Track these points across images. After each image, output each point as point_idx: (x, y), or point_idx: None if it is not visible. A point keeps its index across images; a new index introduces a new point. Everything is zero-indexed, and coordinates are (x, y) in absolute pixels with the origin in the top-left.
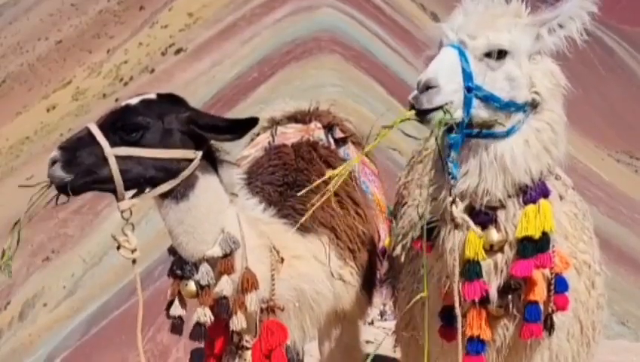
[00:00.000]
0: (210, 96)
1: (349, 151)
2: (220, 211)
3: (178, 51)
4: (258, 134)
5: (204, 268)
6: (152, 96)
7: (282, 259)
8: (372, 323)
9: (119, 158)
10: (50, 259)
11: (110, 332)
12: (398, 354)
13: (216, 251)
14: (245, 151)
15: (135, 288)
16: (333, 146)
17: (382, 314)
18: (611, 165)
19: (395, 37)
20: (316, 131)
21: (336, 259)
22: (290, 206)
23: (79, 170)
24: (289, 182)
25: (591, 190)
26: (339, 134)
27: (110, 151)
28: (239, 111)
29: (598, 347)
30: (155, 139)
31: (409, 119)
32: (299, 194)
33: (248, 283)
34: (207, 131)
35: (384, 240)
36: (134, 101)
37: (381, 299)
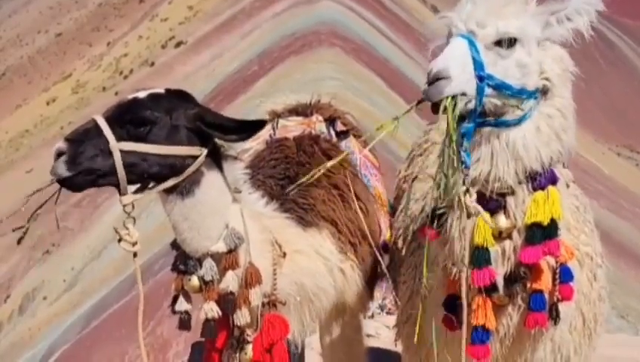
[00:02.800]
0: (210, 90)
1: (350, 144)
2: (225, 207)
3: (178, 44)
4: None
5: (208, 263)
6: (161, 90)
7: (284, 254)
8: (372, 316)
9: (124, 153)
10: (50, 252)
11: (110, 326)
12: (399, 348)
13: (220, 247)
14: (246, 144)
15: (135, 282)
16: (334, 139)
17: (382, 307)
18: (612, 159)
19: (396, 30)
20: (318, 124)
21: (338, 252)
22: (292, 200)
23: (83, 166)
24: (290, 176)
25: (591, 184)
26: (340, 127)
27: (115, 145)
28: (239, 105)
29: (599, 340)
30: (162, 135)
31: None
32: (293, 186)
33: (252, 278)
34: (214, 130)
35: (385, 234)
36: (142, 95)
37: (381, 292)
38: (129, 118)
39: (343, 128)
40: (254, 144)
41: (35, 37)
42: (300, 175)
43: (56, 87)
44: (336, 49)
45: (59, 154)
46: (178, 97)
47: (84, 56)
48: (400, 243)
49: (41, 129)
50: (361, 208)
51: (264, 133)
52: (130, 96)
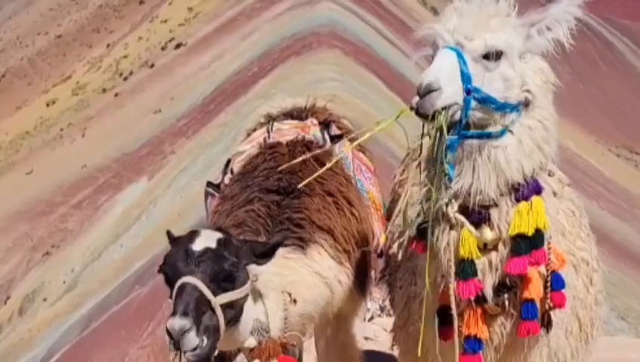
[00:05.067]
0: (210, 91)
1: (344, 148)
2: (254, 307)
3: (178, 46)
4: (254, 130)
5: (240, 357)
6: (220, 235)
7: (295, 301)
8: (372, 318)
9: (222, 306)
10: (50, 253)
11: (110, 327)
12: (396, 352)
13: (251, 342)
14: (241, 147)
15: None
16: (328, 144)
17: (382, 308)
18: (611, 160)
19: (395, 31)
20: (312, 128)
21: (335, 264)
22: (287, 218)
23: (207, 332)
24: (284, 187)
25: (591, 185)
26: (335, 131)
27: (216, 301)
28: (239, 106)
29: (596, 343)
30: (240, 280)
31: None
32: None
33: (270, 351)
34: (262, 258)
35: (379, 238)
36: (212, 244)
37: (382, 294)
38: (223, 276)
39: (338, 132)
40: (248, 147)
41: (35, 39)
42: (293, 184)
43: (56, 88)
44: (336, 50)
45: (183, 332)
46: (231, 239)
47: (83, 57)
48: (395, 247)
49: (41, 130)
50: (354, 214)
51: (258, 136)
52: (201, 247)
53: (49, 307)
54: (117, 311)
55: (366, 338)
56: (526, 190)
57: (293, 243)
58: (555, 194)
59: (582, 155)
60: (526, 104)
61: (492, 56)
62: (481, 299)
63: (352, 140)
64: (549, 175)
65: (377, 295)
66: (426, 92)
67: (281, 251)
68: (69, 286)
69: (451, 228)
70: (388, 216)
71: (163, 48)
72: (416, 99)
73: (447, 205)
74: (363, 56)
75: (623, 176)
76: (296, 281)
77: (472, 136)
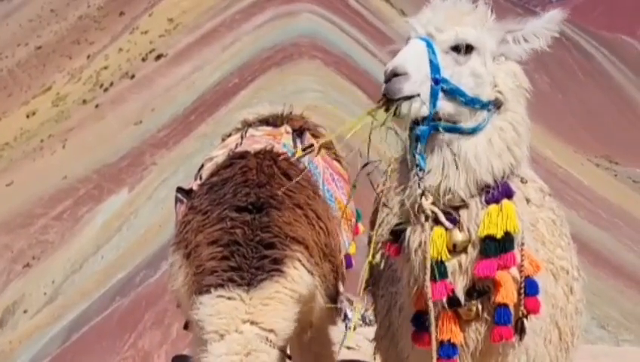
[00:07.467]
0: (191, 102)
1: (314, 158)
2: None
3: (158, 57)
4: (230, 135)
5: None
6: None
7: (289, 357)
8: (355, 328)
9: None
10: (30, 265)
11: (91, 339)
12: (378, 361)
13: None
14: (214, 152)
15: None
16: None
17: (364, 318)
18: (591, 170)
19: (376, 42)
20: (284, 136)
21: (309, 276)
22: (259, 241)
23: None
24: (253, 203)
25: (571, 194)
26: (309, 140)
27: None
28: (220, 117)
29: (577, 352)
30: None
31: (375, 111)
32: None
33: None
34: None
35: (347, 249)
36: None
37: (364, 304)
38: None
39: (312, 141)
40: (220, 153)
41: (14, 50)
42: (262, 198)
43: (36, 100)
44: (316, 61)
45: None
46: None
47: (64, 69)
48: (378, 257)
49: (21, 142)
50: (322, 228)
51: (231, 142)
52: None
53: (30, 319)
54: (98, 322)
55: (348, 348)
56: (496, 192)
57: (270, 269)
58: (528, 201)
59: (561, 165)
60: (498, 105)
61: (461, 49)
62: (453, 303)
63: (329, 150)
64: (522, 181)
65: (359, 305)
66: (391, 76)
67: (264, 298)
68: (49, 298)
69: (426, 219)
70: (371, 225)
71: (143, 59)
72: (384, 86)
73: (421, 196)
74: (344, 66)
75: (602, 185)
76: (281, 325)
77: (443, 128)
